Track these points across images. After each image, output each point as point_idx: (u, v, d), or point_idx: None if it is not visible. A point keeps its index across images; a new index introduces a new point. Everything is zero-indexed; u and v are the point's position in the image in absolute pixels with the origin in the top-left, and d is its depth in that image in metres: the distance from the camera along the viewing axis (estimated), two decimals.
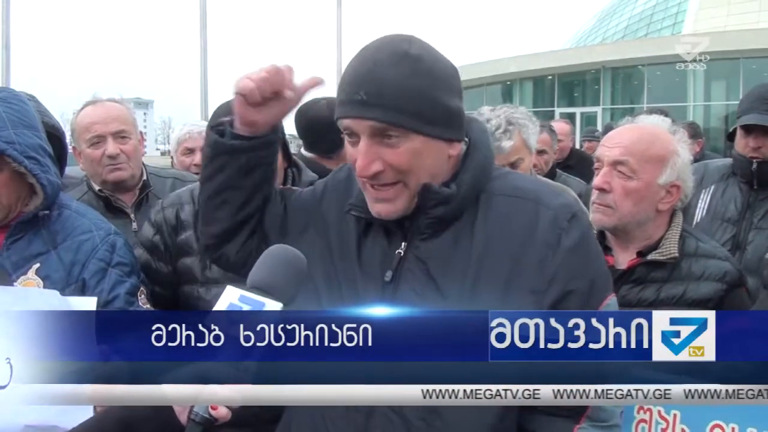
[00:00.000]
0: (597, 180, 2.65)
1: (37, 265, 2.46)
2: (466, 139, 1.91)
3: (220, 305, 1.47)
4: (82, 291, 2.47)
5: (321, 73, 2.00)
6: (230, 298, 1.48)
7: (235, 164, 1.96)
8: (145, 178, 3.56)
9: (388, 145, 1.76)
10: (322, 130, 3.97)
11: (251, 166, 1.97)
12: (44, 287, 2.43)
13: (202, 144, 2.11)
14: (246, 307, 1.46)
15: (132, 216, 3.45)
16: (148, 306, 2.64)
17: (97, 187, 3.47)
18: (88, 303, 2.28)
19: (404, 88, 1.73)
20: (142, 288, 2.66)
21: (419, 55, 1.77)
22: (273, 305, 1.47)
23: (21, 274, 2.44)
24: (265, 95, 1.87)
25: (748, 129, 3.71)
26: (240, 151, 1.95)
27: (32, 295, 2.30)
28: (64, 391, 2.21)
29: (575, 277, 1.82)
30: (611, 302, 1.92)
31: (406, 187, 1.80)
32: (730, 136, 3.89)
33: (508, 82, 38.99)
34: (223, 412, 1.40)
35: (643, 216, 2.64)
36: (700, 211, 3.72)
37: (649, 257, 2.63)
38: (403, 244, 1.87)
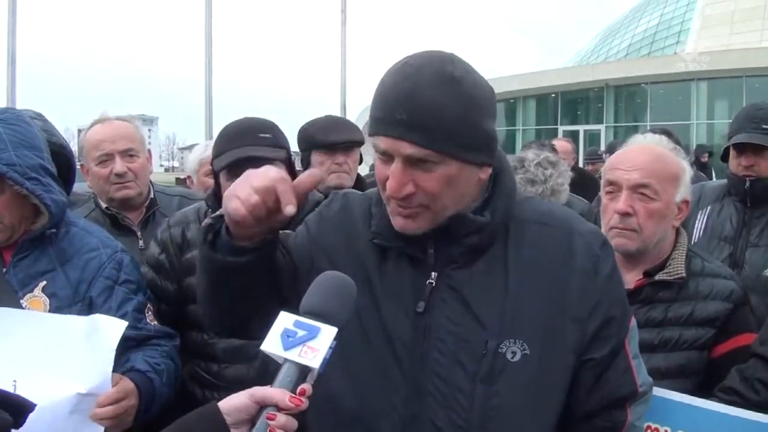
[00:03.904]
0: (620, 205, 2.61)
1: (44, 282, 2.47)
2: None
3: (275, 331, 1.46)
4: (89, 309, 2.48)
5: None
6: (285, 323, 1.46)
7: (251, 275, 1.79)
8: (152, 196, 3.58)
9: (423, 169, 1.69)
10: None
11: (268, 268, 1.83)
12: (50, 305, 2.45)
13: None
14: (302, 332, 1.45)
15: (139, 234, 3.46)
16: (156, 323, 2.65)
17: (104, 205, 3.48)
18: (117, 326, 2.29)
19: (446, 112, 1.65)
20: (149, 305, 2.67)
21: (462, 78, 1.69)
22: (329, 329, 1.45)
23: (27, 292, 2.45)
24: (260, 218, 1.69)
25: (740, 148, 3.74)
26: (254, 264, 1.77)
27: (56, 322, 2.31)
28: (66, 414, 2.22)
29: (613, 304, 1.83)
30: (634, 324, 1.95)
31: (428, 209, 1.74)
32: (724, 157, 3.92)
33: (512, 100, 39.02)
34: None
35: (661, 235, 2.66)
36: (697, 231, 3.74)
37: (657, 277, 2.63)
38: (433, 273, 1.80)
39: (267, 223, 1.73)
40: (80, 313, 2.45)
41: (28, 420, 2.14)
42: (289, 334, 1.45)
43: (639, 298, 2.62)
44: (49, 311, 2.44)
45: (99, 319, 2.29)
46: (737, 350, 2.58)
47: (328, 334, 1.45)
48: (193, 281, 2.84)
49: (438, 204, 1.74)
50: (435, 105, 1.65)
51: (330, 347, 1.44)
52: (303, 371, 1.44)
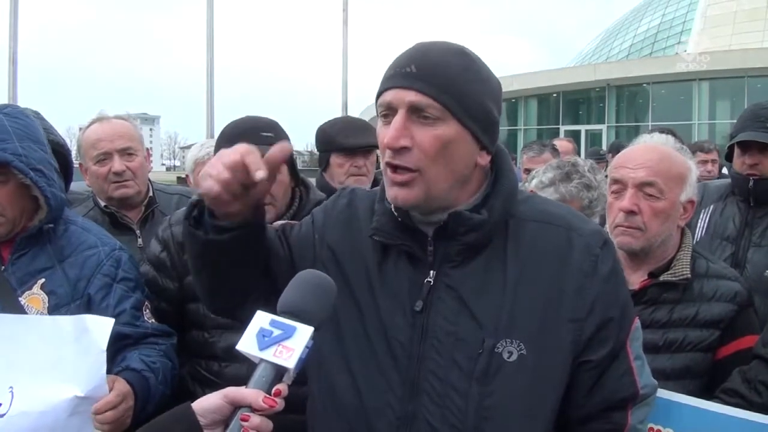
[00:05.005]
0: (625, 203, 2.61)
1: (42, 280, 2.46)
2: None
3: (251, 330, 1.44)
4: (88, 306, 2.47)
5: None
6: (261, 323, 1.44)
7: (232, 254, 1.82)
8: (151, 194, 3.57)
9: (424, 124, 1.71)
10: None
11: (249, 246, 1.84)
12: (49, 302, 2.44)
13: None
14: (277, 332, 1.43)
15: (138, 232, 3.45)
16: (153, 321, 2.65)
17: (102, 203, 3.48)
18: (105, 324, 2.26)
19: (454, 74, 1.71)
20: (146, 303, 2.67)
21: (472, 56, 1.77)
22: (305, 329, 1.43)
23: (26, 290, 2.44)
24: (235, 192, 1.71)
25: (744, 147, 3.74)
26: (235, 242, 1.79)
27: (45, 324, 2.30)
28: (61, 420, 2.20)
29: (612, 305, 1.81)
30: (638, 325, 1.92)
31: (422, 177, 1.73)
32: (728, 156, 3.91)
33: (513, 100, 39.06)
34: None
35: (666, 234, 2.65)
36: (699, 230, 3.73)
37: (662, 278, 2.62)
38: (431, 272, 1.80)
39: (246, 199, 1.75)
40: (79, 310, 2.44)
41: (30, 425, 2.15)
42: (265, 334, 1.43)
43: (644, 299, 2.61)
44: (48, 308, 2.43)
45: (86, 318, 2.27)
46: (741, 352, 2.57)
47: (303, 333, 1.43)
48: None
49: (431, 170, 1.73)
50: (445, 64, 1.72)
51: (306, 347, 1.42)
52: (279, 371, 1.41)
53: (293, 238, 1.99)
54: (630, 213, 2.61)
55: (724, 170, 7.98)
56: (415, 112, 1.71)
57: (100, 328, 2.25)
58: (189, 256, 1.93)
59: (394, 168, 1.75)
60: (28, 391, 2.17)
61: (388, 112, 1.75)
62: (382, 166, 1.81)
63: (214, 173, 1.70)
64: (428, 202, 1.77)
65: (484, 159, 1.81)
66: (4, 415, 2.14)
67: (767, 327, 2.57)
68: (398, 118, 1.71)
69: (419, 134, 1.71)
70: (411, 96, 1.70)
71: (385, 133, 1.74)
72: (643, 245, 2.62)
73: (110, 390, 2.26)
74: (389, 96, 1.73)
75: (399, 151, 1.72)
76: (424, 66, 1.70)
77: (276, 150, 1.75)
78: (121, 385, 2.32)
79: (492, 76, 1.80)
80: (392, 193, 1.77)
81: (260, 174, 1.67)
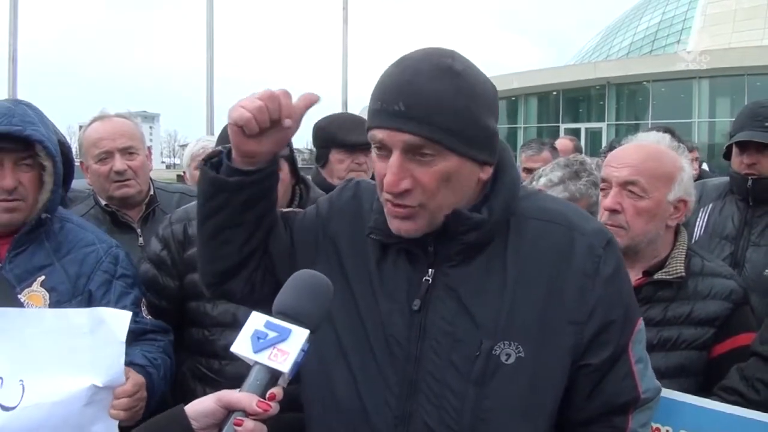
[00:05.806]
0: (607, 201, 2.62)
1: (42, 277, 2.47)
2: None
3: (245, 332, 1.41)
4: (89, 303, 2.48)
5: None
6: (256, 324, 1.40)
7: (237, 201, 1.82)
8: (152, 193, 3.57)
9: (421, 162, 1.65)
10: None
11: (254, 200, 1.83)
12: (50, 299, 2.45)
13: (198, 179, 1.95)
14: (273, 334, 1.39)
15: (138, 231, 3.45)
16: (150, 317, 2.67)
17: (103, 202, 3.47)
18: (123, 316, 2.28)
19: (445, 103, 1.62)
20: (143, 299, 2.69)
21: (462, 72, 1.66)
22: (300, 332, 1.40)
23: (26, 287, 2.45)
24: (264, 126, 1.72)
25: (743, 146, 3.71)
26: (241, 187, 1.80)
27: (53, 317, 2.31)
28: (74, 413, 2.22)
29: (614, 307, 1.77)
30: (642, 326, 1.88)
31: (424, 209, 1.69)
32: (727, 155, 3.89)
33: (513, 98, 39.06)
34: None
35: (653, 233, 2.64)
36: (698, 230, 3.72)
37: (656, 276, 2.62)
38: (430, 270, 1.76)
39: (267, 142, 1.77)
40: (80, 306, 2.45)
41: (43, 416, 2.17)
42: (260, 336, 1.40)
43: (638, 298, 2.53)
44: (49, 305, 2.44)
45: (103, 311, 2.29)
46: (737, 350, 2.57)
47: (299, 336, 1.40)
48: (195, 278, 2.81)
49: (434, 203, 1.69)
50: (434, 96, 1.62)
51: (302, 350, 1.39)
52: (273, 375, 1.38)
53: (296, 224, 1.97)
54: (613, 211, 2.61)
55: (705, 166, 8.03)
56: (410, 150, 1.65)
57: (118, 320, 2.27)
58: (198, 201, 1.92)
59: (395, 202, 1.71)
60: (40, 383, 2.19)
61: (381, 146, 1.70)
62: (380, 196, 1.77)
63: (246, 102, 1.72)
64: (432, 227, 1.74)
65: (487, 172, 1.76)
66: (16, 407, 2.17)
67: (765, 325, 2.57)
68: (395, 161, 1.66)
69: (418, 173, 1.66)
70: (405, 137, 1.64)
71: (382, 168, 1.69)
72: (627, 244, 2.61)
73: (126, 380, 2.28)
74: (380, 135, 1.68)
75: (401, 193, 1.68)
76: (413, 102, 1.62)
77: (302, 101, 1.78)
78: (137, 376, 2.34)
79: (486, 84, 1.72)
80: (395, 225, 1.73)
81: (288, 122, 1.74)
